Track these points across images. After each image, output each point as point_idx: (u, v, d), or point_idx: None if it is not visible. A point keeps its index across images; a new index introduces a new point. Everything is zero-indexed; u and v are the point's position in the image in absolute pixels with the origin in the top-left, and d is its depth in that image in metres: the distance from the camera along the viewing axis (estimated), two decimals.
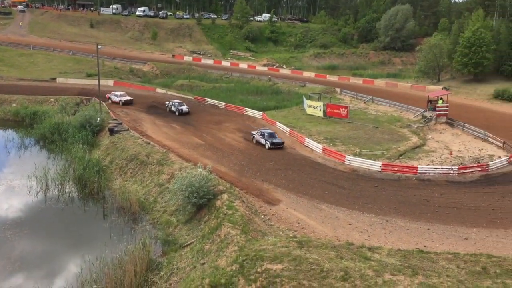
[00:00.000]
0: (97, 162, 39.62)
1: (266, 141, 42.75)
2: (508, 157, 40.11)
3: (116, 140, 43.98)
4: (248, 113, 56.83)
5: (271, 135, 43.69)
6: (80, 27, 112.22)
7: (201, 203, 28.48)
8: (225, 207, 27.03)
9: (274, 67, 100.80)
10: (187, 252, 25.34)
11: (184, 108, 55.46)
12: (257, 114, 55.87)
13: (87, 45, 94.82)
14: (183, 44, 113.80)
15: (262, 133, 43.81)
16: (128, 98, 59.37)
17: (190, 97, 65.25)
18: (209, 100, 63.31)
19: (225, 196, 28.68)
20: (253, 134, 45.06)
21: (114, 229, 29.70)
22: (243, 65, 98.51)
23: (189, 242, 26.40)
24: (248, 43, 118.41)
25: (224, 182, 32.09)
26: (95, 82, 55.15)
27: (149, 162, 37.92)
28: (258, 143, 43.62)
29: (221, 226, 25.06)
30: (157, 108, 58.02)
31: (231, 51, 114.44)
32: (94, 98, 58.50)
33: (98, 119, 47.87)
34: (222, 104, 61.23)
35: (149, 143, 42.32)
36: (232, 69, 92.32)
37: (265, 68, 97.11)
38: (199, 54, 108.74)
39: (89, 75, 72.54)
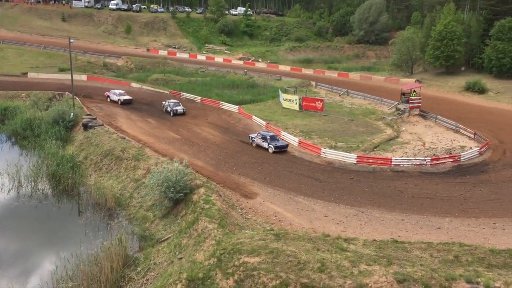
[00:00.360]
0: (71, 158, 39.06)
1: (269, 145, 39.99)
2: (479, 148, 41.08)
3: (90, 136, 43.37)
4: (224, 107, 56.70)
5: (273, 138, 40.89)
6: (51, 20, 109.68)
7: (177, 197, 28.39)
8: (202, 202, 27.01)
9: (250, 60, 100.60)
10: (164, 247, 25.26)
11: (179, 108, 52.88)
12: (233, 108, 55.79)
13: (59, 39, 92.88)
14: (158, 38, 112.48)
15: (264, 136, 40.88)
16: (127, 97, 56.90)
17: (166, 91, 64.68)
18: (185, 94, 62.88)
19: (202, 190, 28.64)
20: (252, 137, 41.95)
21: (89, 226, 29.38)
22: (218, 59, 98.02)
23: (166, 237, 26.32)
24: (223, 37, 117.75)
25: (200, 176, 32.03)
26: (68, 76, 54.06)
27: (125, 157, 37.54)
28: (258, 146, 40.90)
29: (198, 221, 25.04)
30: (132, 103, 57.38)
31: (206, 45, 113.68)
32: (67, 93, 57.45)
33: (72, 114, 47.08)
34: (198, 98, 60.92)
35: (124, 138, 41.87)
36: (208, 63, 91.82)
37: (241, 62, 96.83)
38: (174, 48, 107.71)
39: (61, 70, 71.10)
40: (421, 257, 20.70)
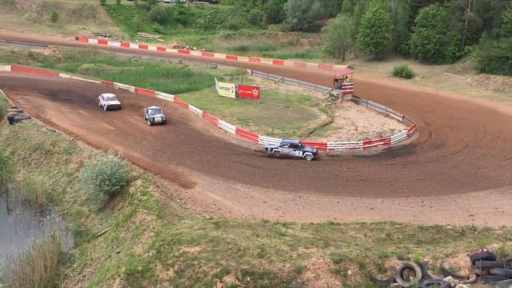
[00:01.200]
0: None
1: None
2: (407, 131, 43.06)
3: (17, 129, 41.16)
4: (159, 97, 55.72)
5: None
6: None
7: (113, 190, 27.67)
8: (139, 193, 26.49)
9: (185, 49, 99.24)
10: (101, 242, 24.62)
11: (157, 117, 44.93)
12: (169, 97, 54.94)
13: None
14: (87, 26, 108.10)
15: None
16: (114, 102, 50.10)
17: (98, 82, 62.57)
18: (118, 84, 61.13)
19: (139, 182, 28.07)
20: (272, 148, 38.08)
21: (20, 224, 28.03)
22: (152, 48, 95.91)
23: (102, 232, 25.65)
24: (156, 25, 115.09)
25: (137, 168, 31.37)
26: None
27: (56, 151, 36.01)
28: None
29: (136, 213, 24.57)
30: (61, 94, 55.01)
31: (139, 33, 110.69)
32: None
33: None
34: (132, 88, 59.47)
35: (55, 131, 40.14)
36: (141, 52, 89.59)
37: (175, 50, 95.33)
38: (105, 36, 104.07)
39: None
40: (356, 237, 21.49)
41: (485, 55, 65.68)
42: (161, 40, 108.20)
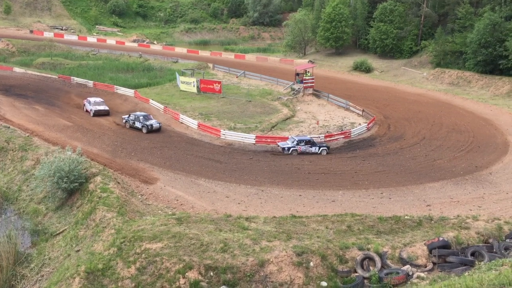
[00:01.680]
0: None
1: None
2: (366, 124, 43.89)
3: None
4: (119, 91, 54.70)
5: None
6: None
7: (72, 188, 27.01)
8: (99, 190, 25.96)
9: (145, 43, 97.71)
10: (60, 241, 24.01)
11: (155, 123, 41.16)
12: (129, 92, 54.00)
13: None
14: (42, 19, 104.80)
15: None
16: (102, 108, 45.45)
17: (54, 76, 60.81)
18: (76, 78, 59.63)
19: (98, 178, 27.50)
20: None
21: None
22: (111, 41, 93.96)
23: (61, 230, 25.01)
24: (115, 18, 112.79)
25: (96, 164, 30.71)
26: None
27: (10, 148, 34.82)
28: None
29: (95, 210, 24.07)
30: (16, 89, 53.13)
31: (97, 26, 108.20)
32: None
33: None
34: (90, 83, 58.13)
35: (9, 127, 38.81)
36: (99, 46, 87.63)
37: (135, 44, 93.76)
38: (61, 29, 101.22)
39: None
40: (318, 230, 21.78)
41: (440, 50, 67.66)
42: (120, 33, 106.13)
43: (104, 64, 71.02)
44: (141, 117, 41.05)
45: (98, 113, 44.67)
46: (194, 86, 55.32)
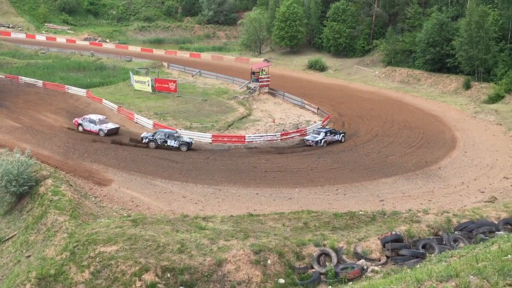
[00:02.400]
0: None
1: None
2: (322, 122, 44.57)
3: None
4: (70, 91, 53.21)
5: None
6: None
7: (21, 191, 26.00)
8: (50, 193, 25.12)
9: (97, 41, 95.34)
10: (9, 247, 23.09)
11: (185, 139, 37.34)
12: (81, 91, 52.60)
13: None
14: None
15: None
16: (113, 126, 40.55)
17: (1, 76, 58.41)
18: (24, 78, 57.51)
19: (49, 181, 26.61)
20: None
21: None
22: (61, 40, 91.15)
23: (10, 235, 24.05)
24: (65, 16, 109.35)
25: (47, 166, 29.70)
26: None
27: None
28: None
29: (46, 214, 23.29)
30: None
31: (46, 24, 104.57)
32: None
33: None
34: (39, 83, 56.21)
35: None
36: (49, 44, 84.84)
37: (87, 43, 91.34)
38: (8, 27, 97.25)
39: None
40: (275, 227, 21.91)
41: (391, 49, 69.52)
42: (70, 31, 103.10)
43: (54, 63, 68.83)
44: (162, 134, 37.15)
45: (111, 132, 39.61)
46: (148, 85, 54.46)
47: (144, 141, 36.91)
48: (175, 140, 36.65)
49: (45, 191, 25.63)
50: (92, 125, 39.77)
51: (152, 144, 36.69)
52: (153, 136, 36.99)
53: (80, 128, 40.02)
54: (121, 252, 18.97)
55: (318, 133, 38.94)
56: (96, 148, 35.66)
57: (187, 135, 38.52)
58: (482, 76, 56.50)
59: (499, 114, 47.18)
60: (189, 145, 36.75)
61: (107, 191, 28.32)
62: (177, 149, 36.35)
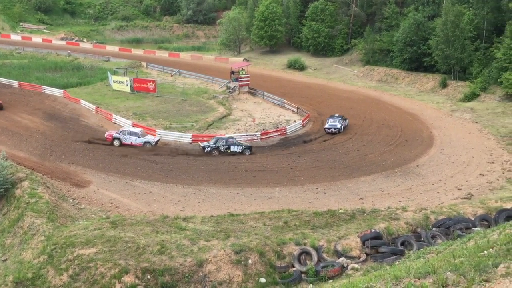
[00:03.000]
0: None
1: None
2: (301, 121, 44.76)
3: None
4: (47, 92, 52.38)
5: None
6: None
7: None
8: (26, 196, 24.69)
9: (74, 41, 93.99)
10: None
11: (246, 145, 37.10)
12: (58, 92, 51.83)
13: None
14: None
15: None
16: (156, 138, 38.29)
17: None
18: None
19: (26, 183, 26.14)
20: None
21: None
22: (37, 39, 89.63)
23: None
24: (40, 15, 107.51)
25: (24, 168, 29.15)
26: None
27: None
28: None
29: (23, 217, 22.89)
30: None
31: (21, 23, 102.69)
32: None
33: None
34: (15, 83, 55.22)
35: None
36: (24, 44, 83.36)
37: (63, 42, 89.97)
38: None
39: None
40: (255, 227, 21.92)
41: (369, 48, 70.17)
42: (46, 31, 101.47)
43: (30, 63, 67.71)
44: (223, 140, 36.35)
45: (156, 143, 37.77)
46: (127, 85, 53.94)
47: (206, 150, 36.06)
48: (238, 145, 36.45)
49: (22, 193, 25.18)
50: (134, 138, 36.85)
51: (215, 152, 36.05)
52: (215, 144, 36.32)
53: (117, 142, 36.68)
54: (100, 254, 18.75)
55: (335, 121, 41.86)
56: (74, 149, 35.17)
57: (165, 134, 38.27)
58: (458, 75, 57.43)
59: (475, 112, 48.05)
60: (250, 149, 36.74)
61: (85, 192, 27.96)
62: (240, 153, 36.25)
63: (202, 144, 36.81)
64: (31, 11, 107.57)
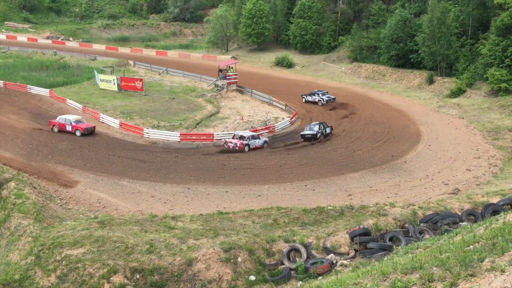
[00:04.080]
0: None
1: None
2: (290, 118, 44.82)
3: None
4: (32, 91, 51.88)
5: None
6: None
7: None
8: (13, 197, 24.44)
9: (59, 39, 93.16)
10: None
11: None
12: (44, 91, 51.34)
13: None
14: None
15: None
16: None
17: None
18: None
19: (12, 184, 25.87)
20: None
21: None
22: (22, 38, 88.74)
23: None
24: (25, 14, 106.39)
25: (10, 169, 28.82)
26: None
27: None
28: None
29: (10, 218, 22.65)
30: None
31: (6, 22, 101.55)
32: None
33: None
34: (0, 83, 54.47)
35: None
36: (9, 43, 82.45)
37: (49, 41, 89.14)
38: None
39: None
40: (245, 225, 21.93)
41: (356, 45, 70.45)
42: (32, 30, 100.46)
43: (15, 63, 67.00)
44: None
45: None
46: (114, 84, 53.57)
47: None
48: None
49: (8, 194, 24.93)
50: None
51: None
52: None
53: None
54: (89, 255, 18.63)
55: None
56: (61, 149, 34.90)
57: (153, 133, 38.14)
58: (444, 71, 57.92)
59: (461, 108, 48.50)
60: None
61: (73, 192, 27.75)
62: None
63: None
64: (16, 10, 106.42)
